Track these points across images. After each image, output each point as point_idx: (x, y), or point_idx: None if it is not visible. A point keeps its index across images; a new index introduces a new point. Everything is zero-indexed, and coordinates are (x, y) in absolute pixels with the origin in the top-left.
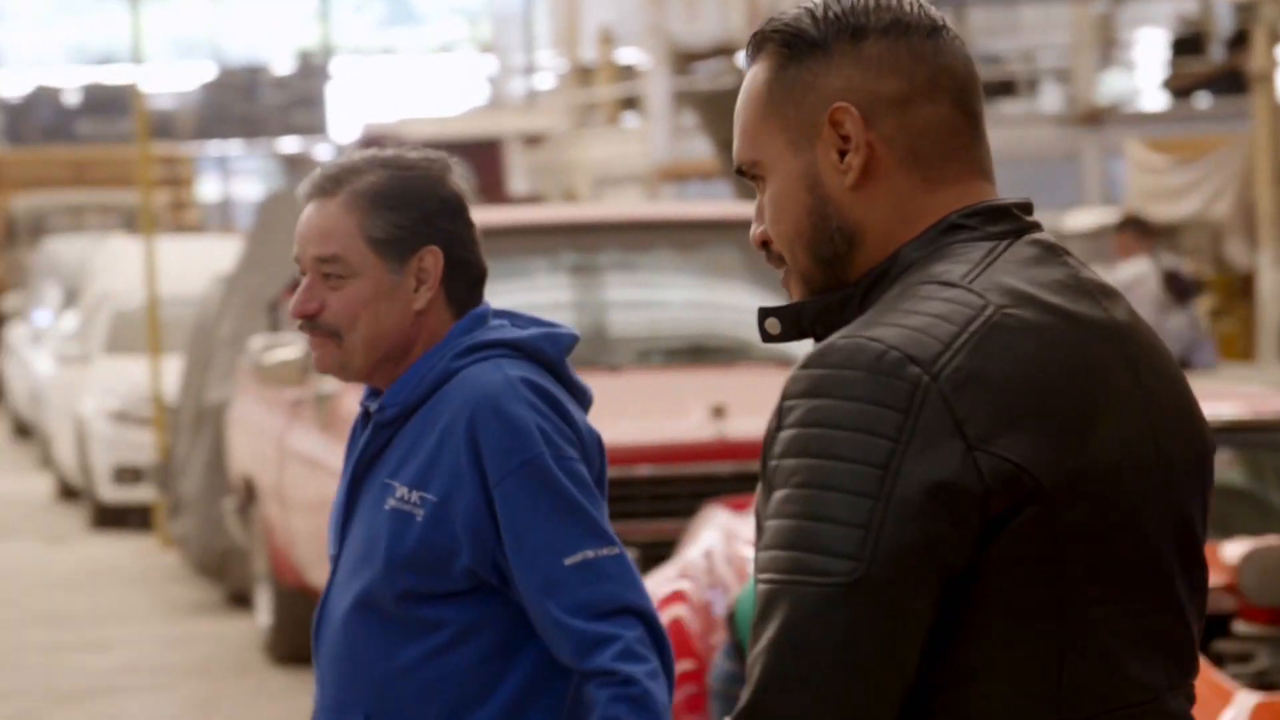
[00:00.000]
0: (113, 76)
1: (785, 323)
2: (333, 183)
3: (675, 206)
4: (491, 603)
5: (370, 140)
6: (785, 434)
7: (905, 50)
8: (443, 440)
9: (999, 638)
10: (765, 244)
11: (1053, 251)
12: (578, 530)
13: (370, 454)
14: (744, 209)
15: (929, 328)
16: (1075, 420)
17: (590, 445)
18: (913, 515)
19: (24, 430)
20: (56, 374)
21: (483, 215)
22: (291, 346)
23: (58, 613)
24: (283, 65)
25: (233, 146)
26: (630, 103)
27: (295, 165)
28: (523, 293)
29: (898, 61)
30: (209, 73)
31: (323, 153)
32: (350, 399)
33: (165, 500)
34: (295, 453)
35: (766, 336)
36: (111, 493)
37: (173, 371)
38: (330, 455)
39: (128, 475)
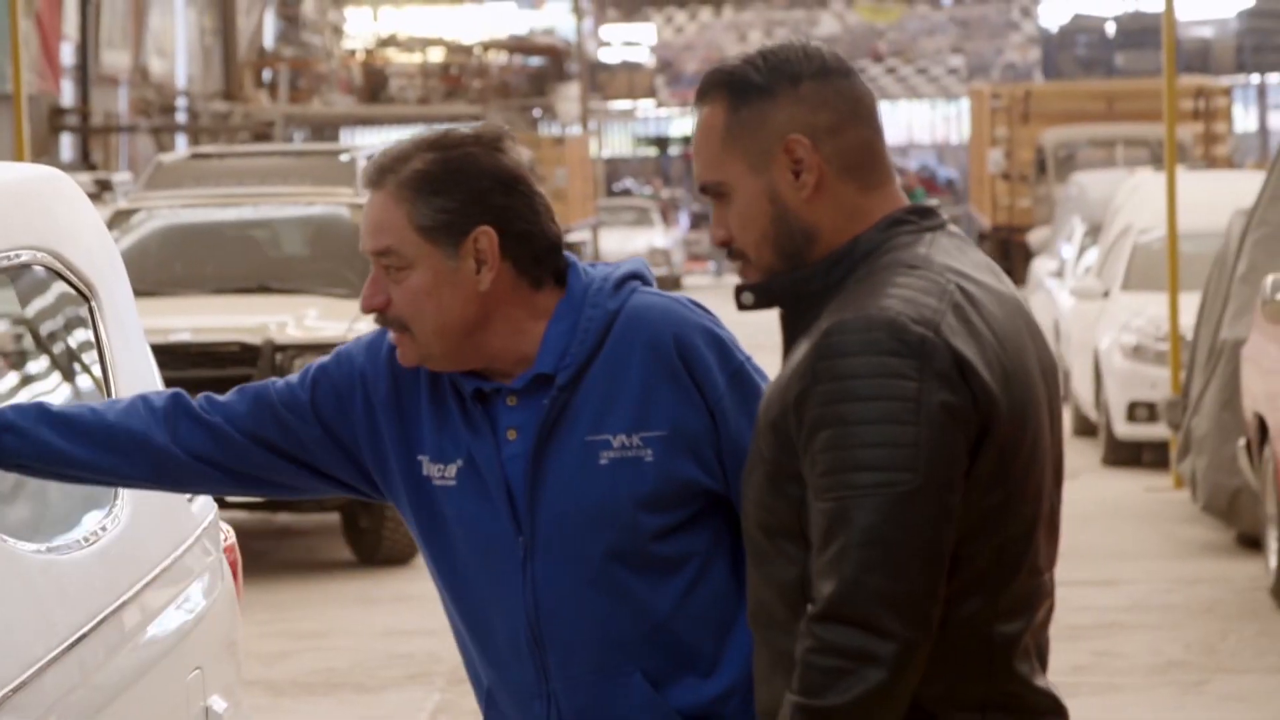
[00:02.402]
0: (1150, 5)
1: (757, 295)
2: (380, 173)
3: None
4: (720, 514)
5: None
6: (824, 388)
7: (831, 89)
8: (648, 375)
9: (967, 523)
10: (725, 244)
11: (965, 241)
12: None
13: (548, 423)
14: None
15: (917, 298)
16: (1009, 367)
17: None
18: (941, 432)
19: None
20: (1075, 308)
21: None
22: None
23: (1069, 547)
24: None
25: (1272, 76)
26: None
27: None
28: None
29: (827, 99)
30: (1248, 0)
31: None
32: None
33: (1177, 438)
34: None
35: (741, 306)
36: (1125, 429)
37: (1190, 308)
38: None
39: (1142, 412)
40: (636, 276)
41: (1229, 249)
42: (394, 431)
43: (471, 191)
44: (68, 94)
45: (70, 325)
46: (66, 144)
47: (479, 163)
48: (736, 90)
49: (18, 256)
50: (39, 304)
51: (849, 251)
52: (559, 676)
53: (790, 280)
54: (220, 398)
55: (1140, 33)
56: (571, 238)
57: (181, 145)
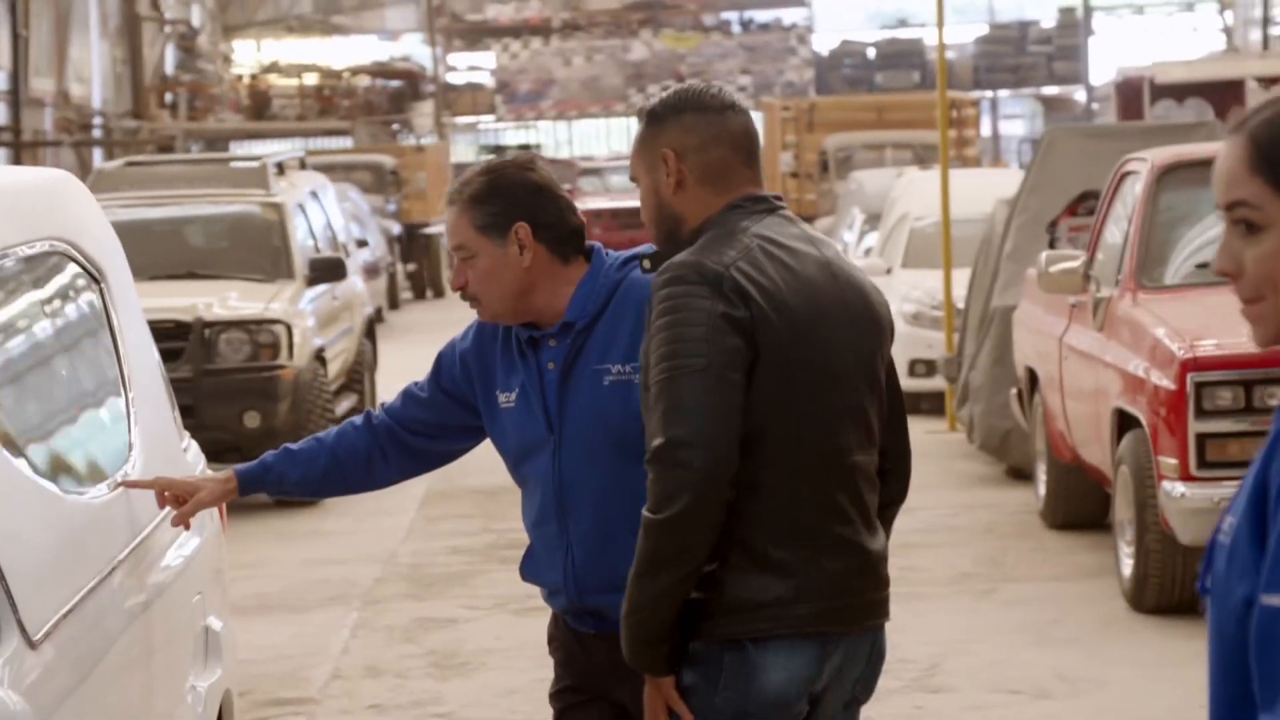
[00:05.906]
0: (902, 34)
1: (655, 263)
2: (454, 194)
3: None
4: None
5: (1125, 82)
6: (655, 309)
7: (702, 120)
8: (636, 324)
9: (762, 409)
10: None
11: (790, 219)
12: None
13: (571, 356)
14: None
15: (722, 251)
16: (791, 301)
17: None
18: (723, 332)
19: None
20: None
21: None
22: (1072, 259)
23: None
24: (1048, 21)
25: (1002, 92)
26: None
27: (1052, 106)
28: None
29: (697, 126)
30: (982, 29)
31: (1080, 96)
32: (1123, 303)
33: (953, 389)
34: (1073, 348)
35: (644, 270)
36: (907, 382)
37: (961, 282)
38: (1105, 350)
39: (921, 368)
40: (642, 257)
41: (994, 232)
42: (482, 379)
43: (508, 199)
44: (1, 114)
45: (83, 304)
46: (1, 157)
47: (512, 179)
48: (647, 117)
49: (39, 246)
50: (57, 285)
51: (701, 230)
52: (574, 532)
53: (673, 252)
54: (392, 405)
55: (895, 55)
56: (431, 230)
57: (98, 158)
